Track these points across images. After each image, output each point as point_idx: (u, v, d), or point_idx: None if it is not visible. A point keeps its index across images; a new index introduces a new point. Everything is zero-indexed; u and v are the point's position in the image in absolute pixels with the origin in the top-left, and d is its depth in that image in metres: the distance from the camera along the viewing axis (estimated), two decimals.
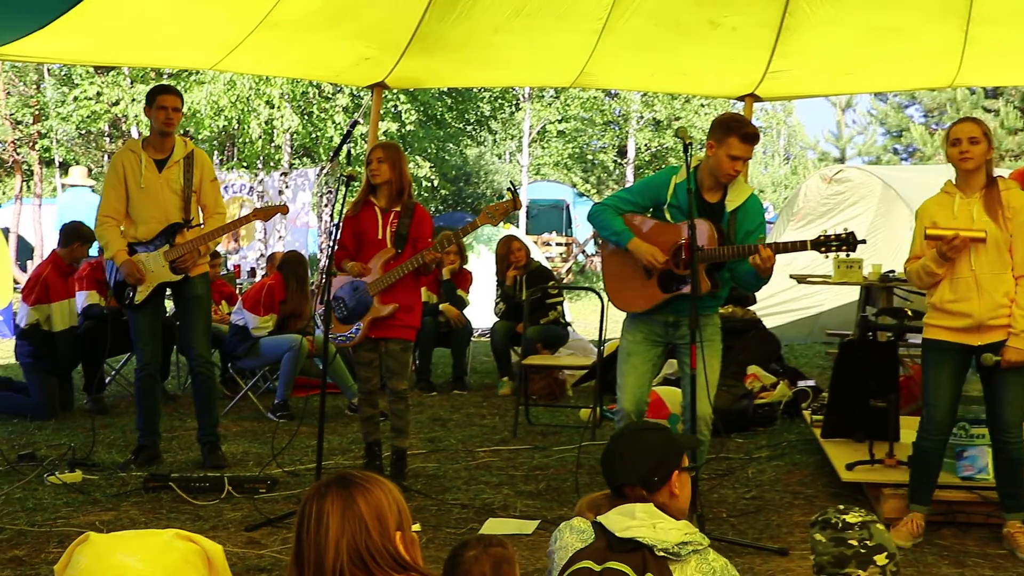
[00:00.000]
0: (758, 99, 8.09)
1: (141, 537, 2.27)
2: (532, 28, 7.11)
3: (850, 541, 2.88)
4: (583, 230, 25.67)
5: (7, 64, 16.36)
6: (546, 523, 4.55)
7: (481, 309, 10.10)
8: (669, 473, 2.81)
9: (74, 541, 2.22)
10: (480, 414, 7.47)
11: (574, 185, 29.57)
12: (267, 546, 4.31)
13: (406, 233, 5.30)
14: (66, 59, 10.39)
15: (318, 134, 16.46)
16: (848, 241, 4.28)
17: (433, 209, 24.23)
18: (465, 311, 8.81)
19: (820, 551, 2.94)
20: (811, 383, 7.41)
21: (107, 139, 19.05)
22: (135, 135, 5.02)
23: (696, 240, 4.29)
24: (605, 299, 5.19)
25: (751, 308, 8.01)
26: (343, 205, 5.19)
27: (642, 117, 27.41)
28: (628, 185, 17.64)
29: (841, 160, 24.19)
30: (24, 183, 17.71)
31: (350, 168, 5.38)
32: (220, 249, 12.19)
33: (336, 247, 5.24)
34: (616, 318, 5.11)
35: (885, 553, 2.88)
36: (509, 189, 5.08)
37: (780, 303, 10.85)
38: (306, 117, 16.32)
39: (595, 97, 25.88)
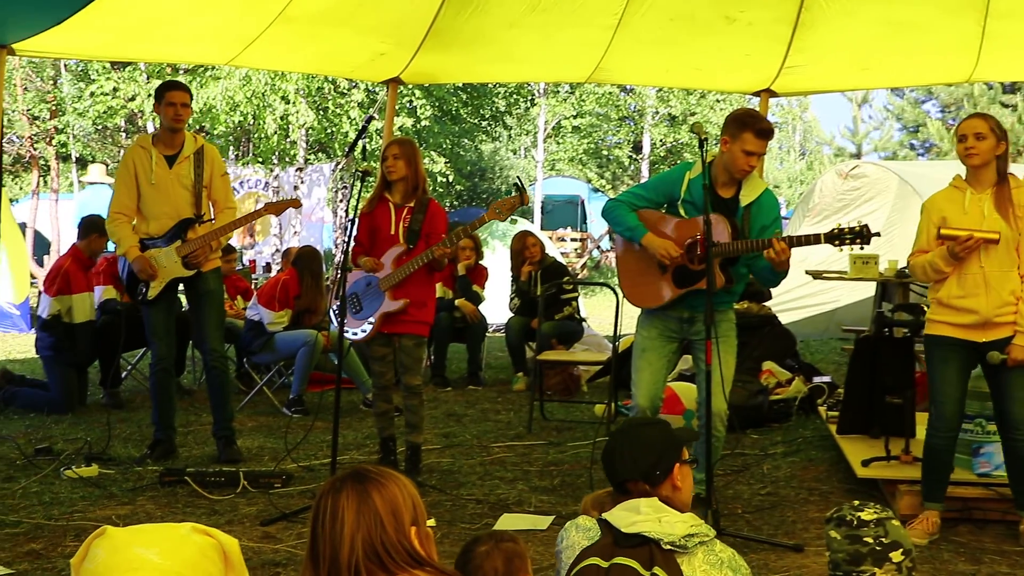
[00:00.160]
0: (774, 94, 8.06)
1: (158, 530, 2.26)
2: (547, 23, 7.09)
3: (865, 538, 2.87)
4: (598, 226, 25.61)
5: (24, 60, 16.41)
6: (560, 519, 4.54)
7: (496, 305, 10.11)
8: (670, 466, 2.81)
9: (91, 535, 2.20)
10: (495, 409, 7.47)
11: (589, 181, 29.45)
12: (282, 540, 4.32)
13: (419, 229, 5.29)
14: (83, 55, 10.42)
15: (333, 129, 16.44)
16: (862, 234, 4.25)
17: (448, 205, 24.19)
18: (480, 307, 8.80)
19: (835, 548, 2.93)
20: (827, 379, 7.36)
21: (123, 135, 19.10)
22: (151, 130, 5.01)
23: (711, 235, 4.27)
24: (620, 295, 5.19)
25: (766, 304, 8.00)
26: (358, 201, 5.18)
27: (657, 112, 27.26)
28: (643, 181, 17.59)
29: (857, 156, 24.05)
30: (41, 178, 17.75)
31: (365, 164, 5.38)
32: (235, 244, 12.22)
33: (352, 243, 5.25)
34: (631, 314, 5.10)
35: (901, 550, 2.88)
36: (515, 185, 5.06)
37: (796, 299, 10.79)
38: (321, 112, 16.29)
39: (610, 92, 25.72)
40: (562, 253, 19.50)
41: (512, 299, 8.72)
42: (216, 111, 15.12)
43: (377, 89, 16.06)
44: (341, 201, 17.75)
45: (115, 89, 16.01)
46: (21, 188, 25.19)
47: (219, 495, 4.99)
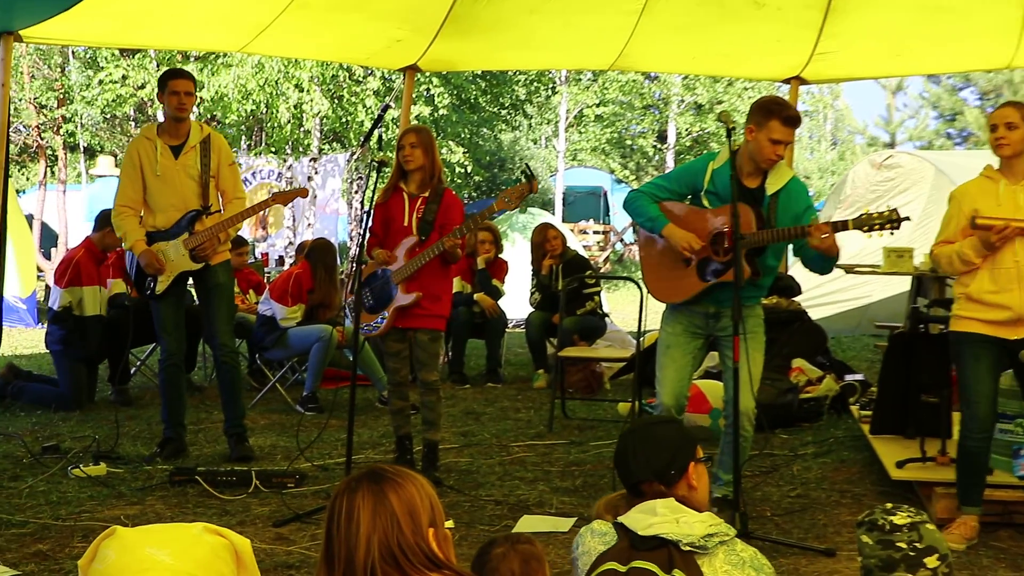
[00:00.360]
0: (804, 82, 8.07)
1: (170, 531, 2.22)
2: (569, 9, 7.11)
3: (898, 544, 2.82)
4: (621, 218, 25.49)
5: (31, 47, 16.35)
6: (582, 521, 4.48)
7: (516, 299, 10.08)
8: (685, 465, 2.77)
9: (100, 535, 2.16)
10: (515, 408, 7.41)
11: (612, 171, 29.42)
12: (296, 542, 4.27)
13: (432, 220, 5.22)
14: (91, 41, 10.44)
15: (348, 119, 16.39)
16: (892, 219, 4.17)
17: (466, 196, 24.15)
18: (500, 301, 8.75)
19: (867, 554, 2.87)
20: (859, 377, 7.30)
21: (132, 123, 19.05)
22: (161, 119, 5.01)
23: (739, 228, 4.19)
24: (644, 289, 5.13)
25: (796, 299, 7.95)
26: (374, 191, 5.15)
27: (683, 101, 27.12)
28: (667, 171, 17.39)
29: (891, 145, 23.81)
30: (48, 169, 17.70)
31: (381, 154, 5.29)
32: (247, 237, 12.15)
33: (368, 234, 5.21)
34: (656, 309, 5.08)
35: (936, 555, 2.82)
36: (524, 171, 5.02)
37: (827, 294, 10.76)
38: (336, 101, 16.23)
39: (634, 80, 25.63)
40: (584, 246, 19.48)
41: (533, 293, 8.68)
42: (228, 100, 15.11)
43: (394, 77, 16.04)
44: (356, 192, 17.69)
45: (124, 77, 15.97)
46: (28, 179, 25.32)
47: (230, 495, 4.96)
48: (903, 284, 8.86)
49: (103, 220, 7.33)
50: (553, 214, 21.93)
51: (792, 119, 4.33)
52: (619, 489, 2.88)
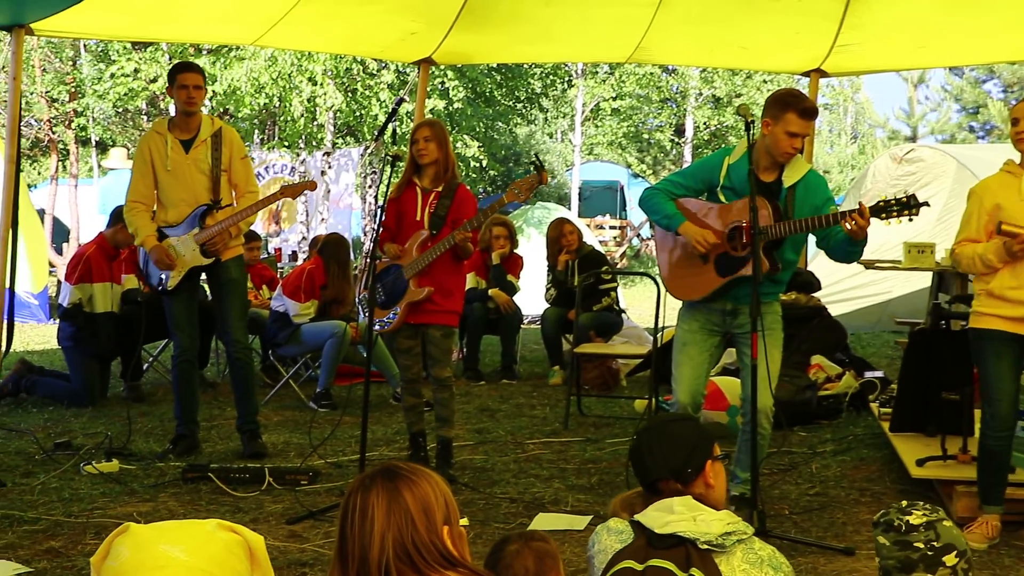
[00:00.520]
0: (824, 74, 8.02)
1: (183, 527, 2.20)
2: (585, 1, 7.06)
3: (915, 544, 2.79)
4: (638, 212, 25.42)
5: (42, 40, 16.36)
6: (598, 519, 4.45)
7: (531, 295, 10.02)
8: (702, 463, 2.77)
9: (113, 532, 2.14)
10: (530, 404, 7.38)
11: (629, 165, 29.34)
12: (309, 540, 4.25)
13: (444, 214, 5.18)
14: (103, 34, 10.44)
15: (362, 112, 16.35)
16: (909, 204, 4.09)
17: (481, 190, 24.10)
18: (515, 297, 8.71)
19: (884, 555, 2.84)
20: (879, 374, 7.24)
21: (144, 117, 19.07)
22: (173, 113, 5.00)
23: (757, 222, 4.14)
24: (661, 284, 5.04)
25: (815, 295, 7.92)
26: (388, 186, 5.12)
27: (701, 94, 27.00)
28: (685, 166, 17.29)
29: (913, 139, 23.72)
30: (60, 163, 17.71)
31: (395, 148, 5.27)
32: (260, 232, 12.14)
33: (381, 229, 5.18)
34: (673, 305, 5.03)
35: (955, 552, 2.79)
36: (533, 163, 4.97)
37: (846, 289, 10.70)
38: (350, 94, 16.19)
39: (651, 73, 25.53)
40: (600, 241, 19.37)
41: (548, 289, 8.63)
42: (240, 93, 15.09)
43: (408, 70, 16.01)
44: (370, 187, 17.68)
45: (136, 70, 15.97)
46: (39, 173, 25.34)
47: (244, 492, 4.94)
48: (924, 280, 8.79)
49: (116, 216, 7.30)
50: (569, 209, 21.87)
51: (809, 111, 4.30)
52: (634, 487, 2.85)
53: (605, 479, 5.27)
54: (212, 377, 8.21)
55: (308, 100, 15.69)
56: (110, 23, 6.51)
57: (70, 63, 18.08)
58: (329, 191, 14.90)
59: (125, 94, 16.13)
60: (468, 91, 17.38)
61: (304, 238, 14.32)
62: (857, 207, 4.10)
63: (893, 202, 4.11)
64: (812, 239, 4.53)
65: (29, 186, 18.60)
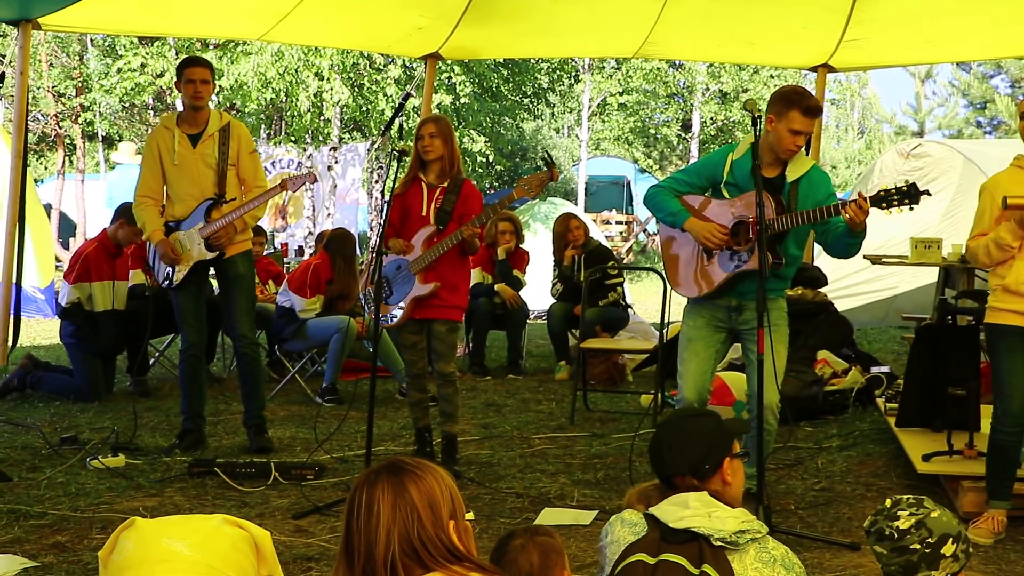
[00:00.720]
0: (832, 69, 7.99)
1: (189, 522, 2.20)
2: None
3: (912, 546, 2.79)
4: (644, 208, 25.41)
5: (49, 34, 16.34)
6: (604, 513, 4.47)
7: (538, 290, 10.00)
8: (720, 460, 2.77)
9: (119, 526, 2.14)
10: (536, 400, 7.36)
11: (635, 161, 29.28)
12: (315, 535, 4.26)
13: (451, 210, 5.17)
14: (110, 29, 10.47)
15: (369, 107, 16.34)
16: (910, 193, 4.06)
17: (487, 185, 24.10)
18: (521, 292, 8.69)
19: (884, 562, 2.85)
20: (885, 369, 7.21)
21: (151, 112, 19.07)
22: (180, 108, 5.00)
23: (764, 217, 4.13)
24: (667, 280, 5.02)
25: (822, 290, 7.88)
26: (394, 181, 5.12)
27: (708, 89, 26.92)
28: (692, 161, 17.25)
29: (920, 134, 23.63)
30: (66, 158, 17.74)
31: (402, 143, 5.27)
32: (267, 227, 12.13)
33: (386, 225, 5.16)
34: (679, 300, 5.02)
35: (950, 539, 2.79)
36: (544, 159, 4.97)
37: (853, 285, 10.64)
38: (357, 89, 16.19)
39: (658, 68, 25.43)
40: (607, 236, 19.37)
41: (554, 284, 8.60)
42: (247, 88, 15.09)
43: (415, 65, 15.97)
44: (376, 182, 17.66)
45: (143, 65, 15.96)
46: (46, 168, 25.33)
47: (250, 487, 4.93)
48: (930, 275, 8.77)
49: (118, 213, 7.29)
50: (575, 204, 21.82)
51: (812, 109, 4.30)
52: (637, 483, 2.84)
53: (611, 474, 5.26)
54: (219, 372, 8.19)
55: (315, 95, 15.68)
56: (117, 17, 6.51)
57: (77, 58, 18.08)
58: (335, 186, 14.90)
59: (132, 89, 16.14)
60: (475, 86, 17.38)
61: (310, 233, 14.32)
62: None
63: (893, 191, 4.08)
64: None
65: (36, 181, 18.57)
